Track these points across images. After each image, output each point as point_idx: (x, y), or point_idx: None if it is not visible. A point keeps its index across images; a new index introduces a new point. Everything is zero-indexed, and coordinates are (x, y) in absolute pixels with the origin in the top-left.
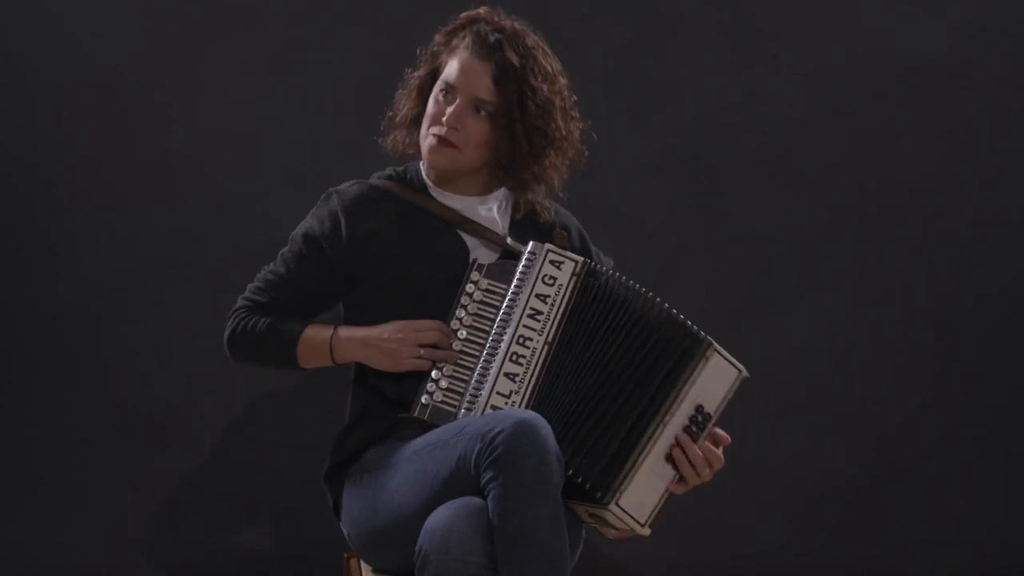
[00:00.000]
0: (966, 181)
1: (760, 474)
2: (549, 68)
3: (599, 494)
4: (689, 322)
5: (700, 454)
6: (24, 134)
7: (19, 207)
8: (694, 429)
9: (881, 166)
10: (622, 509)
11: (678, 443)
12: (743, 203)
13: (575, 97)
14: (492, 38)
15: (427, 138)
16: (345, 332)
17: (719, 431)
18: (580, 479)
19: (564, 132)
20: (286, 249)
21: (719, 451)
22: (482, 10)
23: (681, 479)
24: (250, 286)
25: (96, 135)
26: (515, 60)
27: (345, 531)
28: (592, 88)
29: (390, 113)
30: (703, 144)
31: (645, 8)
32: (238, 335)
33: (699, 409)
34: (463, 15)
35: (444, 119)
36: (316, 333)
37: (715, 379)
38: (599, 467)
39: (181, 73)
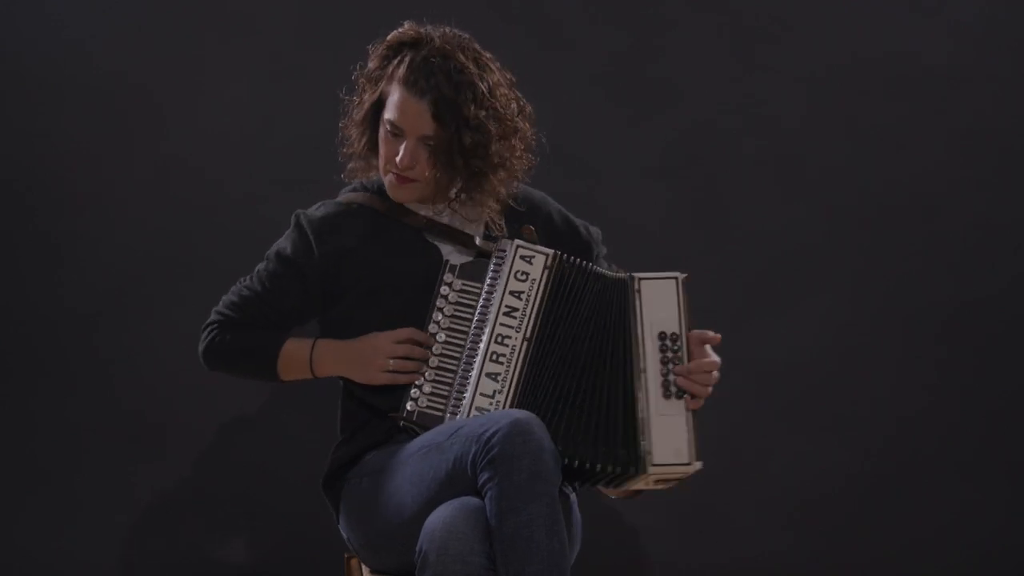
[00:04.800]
0: (966, 183)
1: (760, 475)
2: (484, 88)
3: (634, 469)
4: (610, 272)
5: (696, 374)
6: (24, 137)
7: (19, 209)
8: (670, 355)
9: (881, 168)
10: (662, 465)
11: (671, 375)
12: (743, 205)
13: (519, 103)
14: (424, 69)
15: (387, 175)
16: (323, 347)
17: (697, 332)
18: (611, 468)
19: (505, 155)
20: (262, 266)
21: (708, 350)
22: (410, 26)
23: (693, 397)
24: (224, 299)
25: (96, 138)
26: (449, 92)
27: (344, 534)
28: (593, 91)
29: (343, 148)
30: (703, 147)
31: (645, 11)
32: (215, 349)
33: (662, 336)
34: (392, 37)
35: (398, 160)
36: (295, 349)
37: (658, 302)
38: (620, 449)
39: (181, 76)
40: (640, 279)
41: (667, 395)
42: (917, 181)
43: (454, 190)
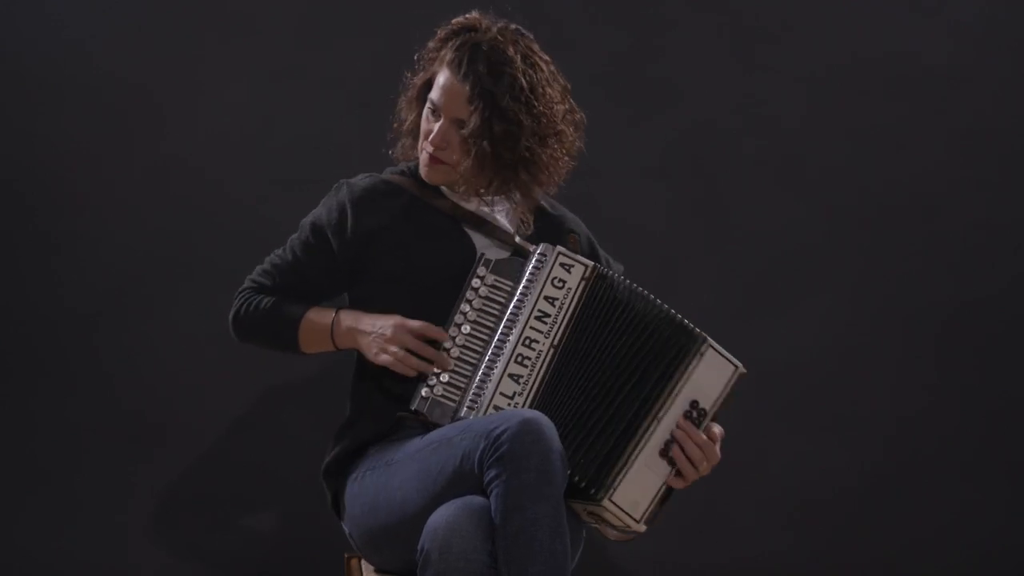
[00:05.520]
0: (966, 184)
1: (760, 476)
2: (524, 82)
3: (593, 491)
4: (686, 320)
5: (697, 448)
6: (24, 137)
7: (19, 209)
8: (689, 424)
9: (881, 169)
10: (616, 505)
11: (674, 438)
12: (743, 206)
13: (566, 106)
14: (471, 55)
15: (421, 153)
16: (345, 316)
17: (714, 426)
18: (576, 478)
19: (534, 152)
20: (295, 235)
21: (716, 447)
22: (475, 15)
23: (678, 474)
24: (258, 268)
25: (96, 138)
26: (487, 81)
27: (347, 529)
28: (593, 91)
29: (395, 123)
30: (703, 147)
31: (645, 11)
32: (242, 315)
33: (694, 404)
34: (455, 21)
35: (431, 138)
36: (318, 316)
37: (711, 375)
38: (594, 465)
39: (181, 76)
40: (711, 346)
41: (662, 454)
42: (917, 181)
43: (486, 186)
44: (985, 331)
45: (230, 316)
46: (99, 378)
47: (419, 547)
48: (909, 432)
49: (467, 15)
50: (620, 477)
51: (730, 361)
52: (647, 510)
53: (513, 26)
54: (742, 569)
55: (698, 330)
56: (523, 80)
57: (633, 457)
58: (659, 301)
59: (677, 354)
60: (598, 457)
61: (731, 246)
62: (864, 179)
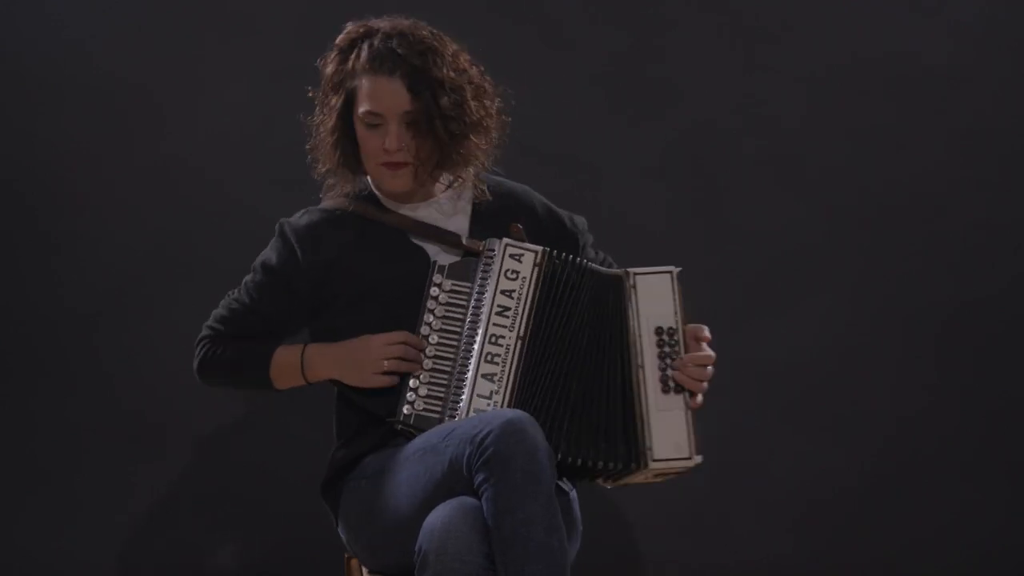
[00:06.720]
0: (966, 184)
1: (761, 477)
2: (448, 53)
3: (635, 465)
4: (602, 269)
5: (693, 367)
6: (24, 137)
7: (19, 209)
8: (667, 350)
9: (881, 169)
10: (662, 460)
11: (668, 370)
12: (743, 206)
13: (481, 68)
14: (386, 49)
15: (377, 170)
16: (314, 350)
17: (701, 328)
18: (612, 464)
19: (480, 113)
20: (249, 278)
21: (703, 347)
22: (351, 27)
23: (692, 395)
24: (215, 313)
25: (96, 138)
26: (417, 61)
27: (343, 537)
28: (593, 91)
29: (319, 167)
30: (703, 147)
31: (645, 11)
32: (208, 364)
33: (659, 331)
34: (340, 39)
35: (385, 147)
36: (286, 355)
37: (654, 296)
38: (620, 444)
39: (181, 76)
40: (635, 274)
41: (666, 390)
42: (917, 181)
43: (440, 165)
44: (985, 331)
45: (194, 365)
46: (99, 378)
47: (416, 547)
48: (909, 432)
49: (346, 29)
50: (648, 436)
51: (660, 272)
52: (690, 442)
53: (395, 18)
54: (742, 569)
55: (614, 270)
56: (444, 50)
57: (646, 413)
58: (604, 270)
59: (615, 302)
60: (616, 435)
61: (731, 246)
62: (864, 179)
